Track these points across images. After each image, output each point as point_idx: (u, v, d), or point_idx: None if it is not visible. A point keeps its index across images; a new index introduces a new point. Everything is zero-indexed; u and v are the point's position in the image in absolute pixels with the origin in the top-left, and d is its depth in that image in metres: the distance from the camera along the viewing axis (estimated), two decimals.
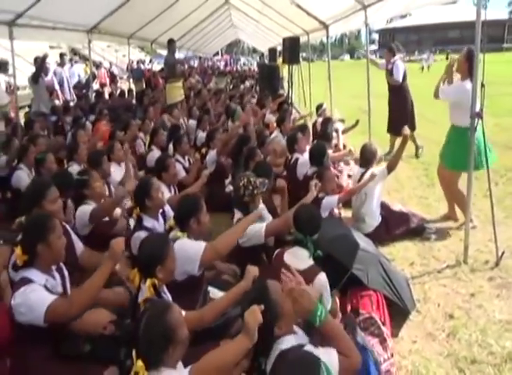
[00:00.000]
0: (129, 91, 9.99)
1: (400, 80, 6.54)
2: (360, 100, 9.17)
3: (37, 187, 2.82)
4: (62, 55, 9.61)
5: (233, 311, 2.62)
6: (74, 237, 2.95)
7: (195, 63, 20.84)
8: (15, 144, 4.84)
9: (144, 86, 11.12)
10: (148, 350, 1.59)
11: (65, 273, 2.37)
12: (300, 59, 10.99)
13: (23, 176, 4.33)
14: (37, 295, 2.02)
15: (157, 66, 15.93)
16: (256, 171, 3.54)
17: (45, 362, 2.09)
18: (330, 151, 5.07)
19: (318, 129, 6.19)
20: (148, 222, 3.04)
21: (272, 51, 14.55)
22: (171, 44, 8.24)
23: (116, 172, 4.33)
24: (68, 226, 2.96)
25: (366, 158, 4.07)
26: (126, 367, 2.09)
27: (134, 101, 9.27)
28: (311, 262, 2.52)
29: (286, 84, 11.73)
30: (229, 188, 4.74)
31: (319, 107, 7.16)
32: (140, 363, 1.56)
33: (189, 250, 2.45)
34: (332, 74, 7.97)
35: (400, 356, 2.58)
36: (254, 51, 29.26)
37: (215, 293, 2.85)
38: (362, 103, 8.13)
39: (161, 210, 3.23)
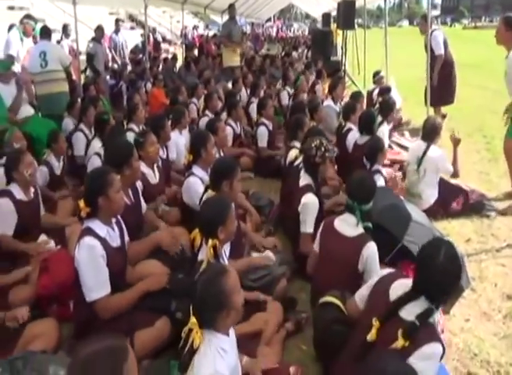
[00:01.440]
0: (185, 57, 10.04)
1: (443, 52, 5.98)
2: (418, 69, 8.65)
3: (128, 146, 2.93)
4: (117, 21, 9.79)
5: (277, 270, 2.68)
6: (141, 196, 3.07)
7: (247, 29, 20.48)
8: (78, 106, 5.06)
9: (197, 52, 11.14)
10: (202, 311, 1.62)
11: (123, 226, 2.48)
12: (355, 25, 10.50)
13: (81, 137, 4.55)
14: (95, 283, 2.14)
15: (209, 32, 15.85)
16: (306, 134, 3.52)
17: None
18: (389, 127, 4.83)
19: (373, 98, 5.95)
20: (198, 171, 3.15)
21: (326, 16, 13.99)
22: (231, 8, 8.05)
23: (176, 138, 4.40)
24: (139, 186, 3.09)
25: (429, 132, 3.86)
26: (177, 319, 2.24)
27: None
28: (361, 230, 2.47)
29: (339, 51, 11.30)
30: (278, 156, 4.77)
31: (376, 74, 6.84)
32: (194, 320, 1.62)
33: None
34: (388, 42, 7.54)
35: (451, 333, 2.51)
36: (307, 17, 28.13)
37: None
38: (419, 72, 7.68)
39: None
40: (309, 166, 3.03)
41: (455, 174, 3.86)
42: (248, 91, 6.64)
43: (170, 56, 10.69)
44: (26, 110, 4.67)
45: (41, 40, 5.72)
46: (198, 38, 12.83)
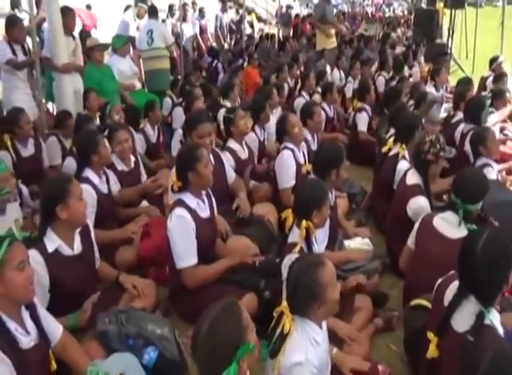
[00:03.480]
0: (279, 36, 9.99)
1: None
2: None
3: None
4: (224, 1, 10.07)
5: (370, 265, 2.59)
6: (227, 166, 3.18)
7: (344, 8, 19.61)
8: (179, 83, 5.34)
9: (291, 32, 11.01)
10: (295, 298, 1.62)
11: (213, 199, 2.58)
12: (465, 4, 9.57)
13: (180, 112, 4.75)
14: (184, 252, 2.27)
15: (305, 12, 15.54)
16: (400, 122, 3.33)
17: None
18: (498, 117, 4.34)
19: (485, 85, 5.40)
20: (290, 145, 3.20)
21: None
22: None
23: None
24: (223, 156, 3.19)
25: None
26: (264, 297, 2.30)
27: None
28: (465, 231, 2.24)
29: (445, 33, 10.38)
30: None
31: (494, 60, 6.17)
32: (285, 304, 1.63)
33: None
34: (505, 22, 6.73)
35: None
36: None
37: (350, 245, 2.85)
38: None
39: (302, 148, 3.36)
40: (419, 163, 2.80)
41: None
42: (342, 73, 6.44)
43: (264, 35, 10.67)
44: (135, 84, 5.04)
45: (149, 19, 6.07)
46: (293, 18, 12.62)
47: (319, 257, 1.76)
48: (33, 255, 1.93)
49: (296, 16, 13.01)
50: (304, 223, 2.08)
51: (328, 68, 6.89)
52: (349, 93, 5.73)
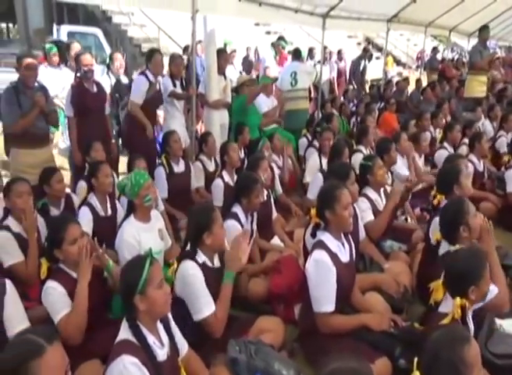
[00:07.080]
0: (417, 81, 9.61)
1: None
2: None
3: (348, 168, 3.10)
4: (365, 49, 10.29)
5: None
6: (360, 222, 3.04)
7: (498, 53, 17.97)
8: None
9: (437, 77, 10.44)
10: (431, 371, 1.46)
11: (353, 244, 2.48)
12: None
13: (312, 152, 4.79)
14: (322, 298, 2.22)
15: (451, 56, 14.75)
16: None
17: None
18: None
19: None
20: None
21: None
22: (484, 30, 7.14)
23: (398, 163, 4.20)
24: (358, 210, 3.06)
25: None
26: (398, 366, 2.11)
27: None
28: None
29: None
30: None
31: None
32: (417, 374, 1.48)
33: None
34: None
35: None
36: None
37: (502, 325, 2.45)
38: None
39: None
40: None
41: None
42: (495, 125, 5.83)
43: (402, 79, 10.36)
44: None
45: (293, 61, 6.46)
46: (440, 62, 11.87)
47: (466, 332, 1.58)
48: (193, 265, 2.17)
49: (443, 60, 12.24)
50: (457, 301, 1.87)
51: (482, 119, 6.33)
52: (502, 148, 5.11)
